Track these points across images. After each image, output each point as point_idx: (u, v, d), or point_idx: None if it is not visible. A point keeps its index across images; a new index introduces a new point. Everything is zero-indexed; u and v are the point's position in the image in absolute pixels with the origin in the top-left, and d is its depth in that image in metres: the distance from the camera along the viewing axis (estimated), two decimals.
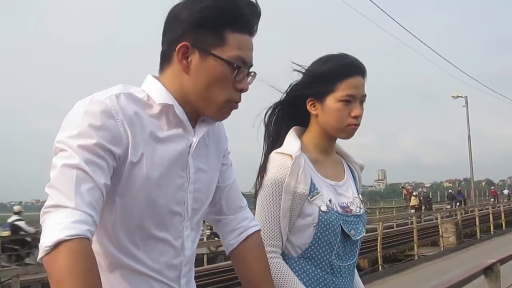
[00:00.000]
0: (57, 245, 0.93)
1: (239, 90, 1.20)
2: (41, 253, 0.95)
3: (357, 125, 1.59)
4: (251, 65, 1.21)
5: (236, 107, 1.22)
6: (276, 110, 1.69)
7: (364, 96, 1.59)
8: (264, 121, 1.68)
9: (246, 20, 1.19)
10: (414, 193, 29.76)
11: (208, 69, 1.16)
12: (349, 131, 1.59)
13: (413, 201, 27.42)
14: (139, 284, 1.15)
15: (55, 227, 0.95)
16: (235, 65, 1.16)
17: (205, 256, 11.61)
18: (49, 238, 0.94)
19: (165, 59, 1.20)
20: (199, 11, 1.15)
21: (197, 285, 1.34)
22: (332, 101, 1.57)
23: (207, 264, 11.17)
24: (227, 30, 1.16)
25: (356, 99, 1.57)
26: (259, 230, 1.42)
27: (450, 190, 37.16)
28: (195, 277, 1.33)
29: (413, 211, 25.27)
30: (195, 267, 1.32)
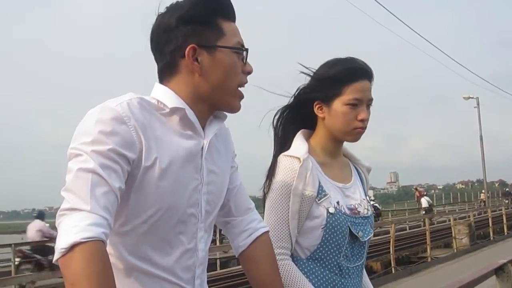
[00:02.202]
0: (72, 247, 0.95)
1: (247, 72, 1.26)
2: (56, 255, 0.96)
3: (364, 128, 1.60)
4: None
5: (243, 96, 1.27)
6: (285, 114, 1.70)
7: (371, 100, 1.61)
8: (273, 124, 1.70)
9: (231, 6, 1.25)
10: (483, 191, 34.70)
11: (221, 62, 1.20)
12: (355, 134, 1.61)
13: (482, 196, 33.95)
14: (152, 287, 1.16)
15: (71, 230, 0.97)
16: (242, 49, 1.23)
17: (218, 260, 11.60)
18: (65, 240, 0.96)
19: (169, 69, 1.22)
20: (189, 8, 1.19)
21: None
22: (339, 105, 1.59)
23: (220, 269, 11.17)
24: (221, 20, 1.21)
25: (363, 102, 1.59)
26: (267, 231, 1.44)
27: (507, 189, 43.05)
28: (209, 282, 1.33)
29: (482, 204, 31.16)
30: (209, 271, 1.33)
